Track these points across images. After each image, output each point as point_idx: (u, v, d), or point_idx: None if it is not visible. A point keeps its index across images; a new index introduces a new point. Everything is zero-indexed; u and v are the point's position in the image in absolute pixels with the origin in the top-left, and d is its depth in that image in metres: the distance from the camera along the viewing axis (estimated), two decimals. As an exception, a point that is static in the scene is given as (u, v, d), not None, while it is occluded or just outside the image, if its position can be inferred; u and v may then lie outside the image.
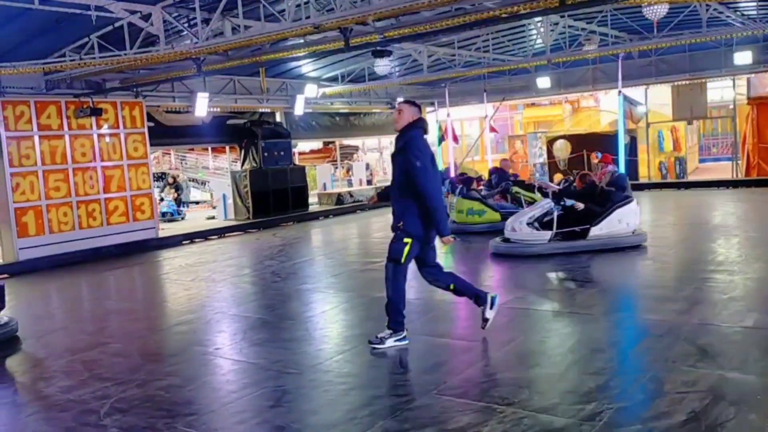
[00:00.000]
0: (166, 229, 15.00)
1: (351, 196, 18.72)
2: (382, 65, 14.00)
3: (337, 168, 24.46)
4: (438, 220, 5.13)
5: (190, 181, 24.08)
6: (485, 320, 5.43)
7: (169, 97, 14.27)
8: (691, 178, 20.69)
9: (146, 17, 9.48)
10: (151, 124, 14.11)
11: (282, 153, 16.63)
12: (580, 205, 9.12)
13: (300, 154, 24.68)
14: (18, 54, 10.15)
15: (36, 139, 11.70)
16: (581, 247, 8.92)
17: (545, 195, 12.14)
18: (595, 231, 8.92)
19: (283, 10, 9.34)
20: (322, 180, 20.13)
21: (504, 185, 12.31)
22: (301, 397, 4.44)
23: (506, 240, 9.38)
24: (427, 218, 5.18)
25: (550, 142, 20.69)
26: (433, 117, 23.17)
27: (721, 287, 6.61)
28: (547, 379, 4.47)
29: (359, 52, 14.03)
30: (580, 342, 5.34)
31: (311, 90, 16.36)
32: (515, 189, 12.10)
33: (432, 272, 5.45)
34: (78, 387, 4.90)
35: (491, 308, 5.41)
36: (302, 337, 5.92)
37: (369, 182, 21.64)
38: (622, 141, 10.17)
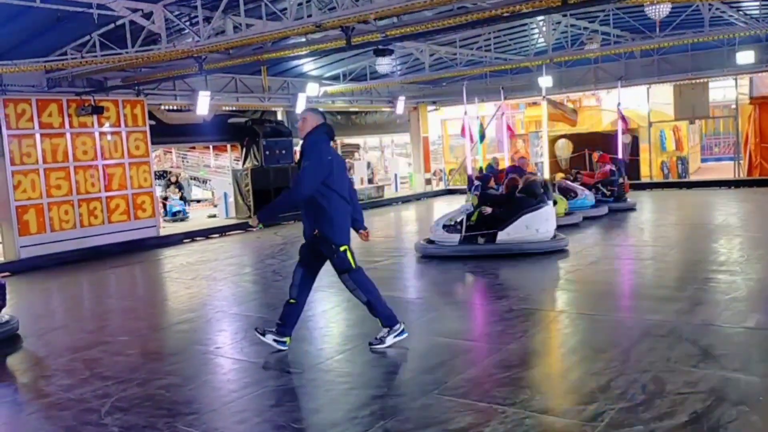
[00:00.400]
0: (167, 228, 15.00)
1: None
2: (384, 64, 13.96)
3: (338, 167, 24.40)
4: (271, 208, 5.25)
5: (191, 179, 24.08)
6: (262, 333, 5.38)
7: (171, 96, 14.25)
8: (693, 177, 20.68)
9: (148, 15, 9.46)
10: (153, 122, 14.09)
11: (283, 151, 16.61)
12: (488, 210, 9.34)
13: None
14: (19, 52, 10.14)
15: (37, 137, 11.70)
16: (488, 251, 9.07)
17: (565, 194, 12.18)
18: (502, 236, 9.08)
19: (285, 9, 9.33)
20: (324, 179, 20.07)
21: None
22: (302, 397, 4.43)
23: (431, 241, 9.55)
24: (342, 219, 5.16)
25: (552, 142, 20.66)
26: (434, 116, 23.24)
27: (723, 288, 6.60)
28: (549, 380, 4.47)
29: (361, 51, 14.03)
30: (582, 342, 5.34)
31: (313, 88, 16.34)
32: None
33: (301, 278, 5.29)
34: (78, 386, 4.89)
35: (273, 339, 5.33)
36: (303, 336, 5.91)
37: (370, 181, 21.64)
38: (547, 144, 10.48)
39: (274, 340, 5.34)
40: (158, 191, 18.77)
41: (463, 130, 15.16)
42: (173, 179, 19.28)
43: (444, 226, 9.48)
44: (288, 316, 5.33)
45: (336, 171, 5.12)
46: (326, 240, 5.10)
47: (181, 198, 18.50)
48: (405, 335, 5.30)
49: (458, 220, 9.45)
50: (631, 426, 3.58)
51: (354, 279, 5.17)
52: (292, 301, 5.29)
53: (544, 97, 11.25)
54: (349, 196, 5.28)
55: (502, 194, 10.06)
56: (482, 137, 16.11)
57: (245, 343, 5.76)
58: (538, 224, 9.05)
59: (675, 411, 3.72)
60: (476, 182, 12.65)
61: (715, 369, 4.35)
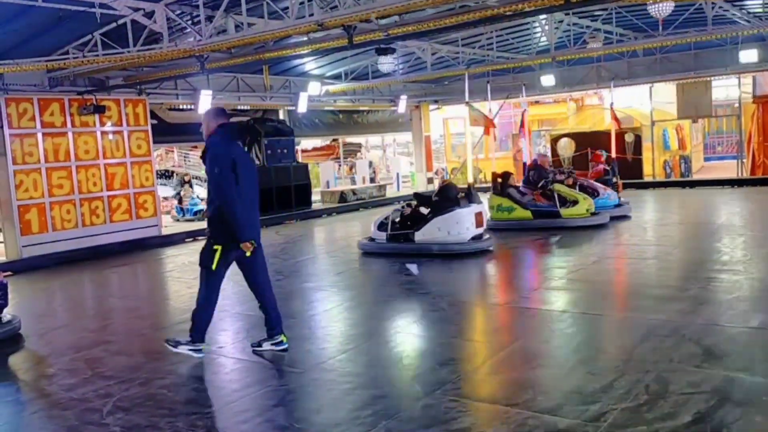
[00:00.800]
0: (169, 227, 15.00)
1: (354, 194, 18.70)
2: (386, 63, 13.95)
3: (340, 165, 24.45)
4: (235, 227, 5.06)
5: (193, 178, 24.08)
6: (258, 345, 5.39)
7: (173, 95, 14.24)
8: (695, 176, 20.62)
9: (150, 14, 9.46)
10: (155, 121, 14.10)
11: (285, 150, 16.61)
12: (407, 211, 9.98)
13: (303, 151, 24.66)
14: (21, 51, 10.13)
15: (39, 136, 11.69)
16: (408, 249, 9.63)
17: (588, 193, 11.88)
18: (419, 236, 9.60)
19: (287, 8, 9.31)
20: (325, 178, 20.10)
21: (543, 183, 11.85)
22: (304, 396, 4.42)
23: (372, 239, 10.17)
24: (244, 223, 5.13)
25: (554, 140, 20.64)
26: (436, 115, 23.24)
27: (727, 287, 6.58)
28: (552, 380, 4.45)
29: (363, 50, 14.00)
30: (584, 342, 5.32)
31: (315, 87, 16.33)
32: (556, 187, 11.56)
33: (252, 290, 5.43)
34: (80, 385, 4.89)
35: (271, 345, 5.34)
36: (305, 335, 5.91)
37: (372, 180, 21.63)
38: (470, 147, 10.89)
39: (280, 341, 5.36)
40: (170, 191, 18.73)
41: (487, 128, 15.00)
42: (186, 178, 19.17)
43: (381, 225, 10.03)
44: (269, 320, 5.41)
45: (241, 170, 5.11)
46: (211, 232, 5.18)
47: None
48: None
49: (395, 217, 10.04)
50: (634, 426, 3.57)
51: (206, 277, 5.23)
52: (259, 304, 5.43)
53: (466, 103, 11.52)
54: (255, 196, 5.29)
55: (429, 196, 10.36)
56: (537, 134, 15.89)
57: (247, 343, 5.74)
58: (449, 227, 9.42)
59: (678, 411, 3.70)
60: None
61: (718, 369, 4.33)
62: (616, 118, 14.57)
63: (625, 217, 12.05)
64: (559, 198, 11.39)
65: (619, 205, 12.34)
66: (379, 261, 9.53)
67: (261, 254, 5.33)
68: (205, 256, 5.19)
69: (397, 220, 9.98)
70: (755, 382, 4.11)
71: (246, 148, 16.24)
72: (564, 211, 11.24)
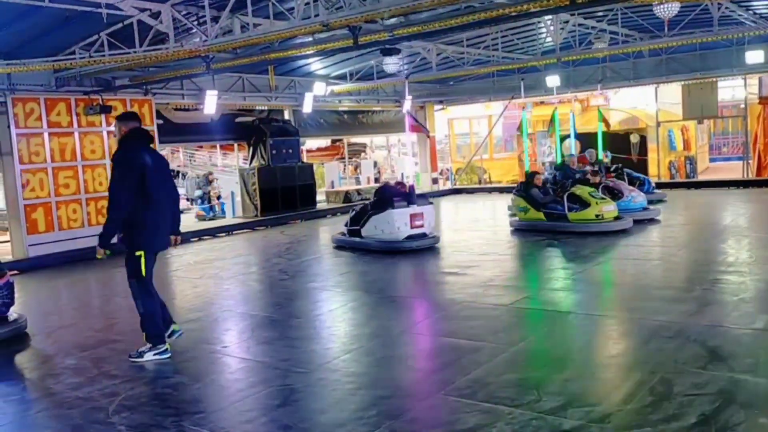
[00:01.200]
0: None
1: (359, 194, 18.71)
2: (391, 63, 13.95)
3: (345, 166, 24.46)
4: (103, 231, 5.18)
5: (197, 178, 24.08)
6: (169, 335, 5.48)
7: (179, 95, 14.28)
8: (701, 177, 20.57)
9: (156, 15, 9.49)
10: (161, 121, 14.12)
11: (290, 151, 16.62)
12: (357, 208, 10.84)
13: (308, 151, 24.63)
14: (28, 51, 10.18)
15: (46, 136, 11.73)
16: (356, 244, 10.55)
17: (613, 194, 11.47)
18: (363, 232, 10.51)
19: (292, 8, 9.33)
20: (330, 178, 20.11)
21: (562, 183, 11.51)
22: (308, 396, 4.43)
23: (344, 234, 11.04)
24: (156, 227, 5.21)
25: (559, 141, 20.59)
26: (441, 115, 23.24)
27: (732, 289, 6.57)
28: (556, 381, 4.44)
29: (368, 51, 14.01)
30: (589, 343, 5.32)
31: (320, 88, 16.34)
32: (576, 188, 11.00)
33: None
34: (86, 384, 4.91)
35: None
36: (310, 335, 5.92)
37: (377, 180, 21.64)
38: (410, 151, 11.31)
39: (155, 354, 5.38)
40: (196, 192, 18.75)
41: (519, 125, 15.00)
42: (211, 178, 19.07)
43: (347, 221, 10.90)
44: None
45: (151, 174, 5.13)
46: (128, 240, 5.23)
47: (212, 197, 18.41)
48: (168, 355, 5.34)
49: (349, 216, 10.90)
50: (638, 428, 3.57)
51: (139, 287, 5.26)
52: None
53: (407, 112, 11.84)
54: (169, 199, 5.33)
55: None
56: (576, 135, 15.92)
57: (252, 342, 5.77)
58: (383, 226, 10.16)
59: (683, 413, 3.70)
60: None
61: (723, 371, 4.32)
62: (605, 119, 14.59)
63: (653, 221, 11.47)
64: (578, 200, 10.81)
65: (646, 208, 11.69)
66: (383, 260, 9.59)
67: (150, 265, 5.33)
68: (132, 266, 5.24)
69: (352, 217, 10.79)
70: (760, 384, 4.10)
71: (252, 149, 16.42)
72: (571, 215, 10.80)
